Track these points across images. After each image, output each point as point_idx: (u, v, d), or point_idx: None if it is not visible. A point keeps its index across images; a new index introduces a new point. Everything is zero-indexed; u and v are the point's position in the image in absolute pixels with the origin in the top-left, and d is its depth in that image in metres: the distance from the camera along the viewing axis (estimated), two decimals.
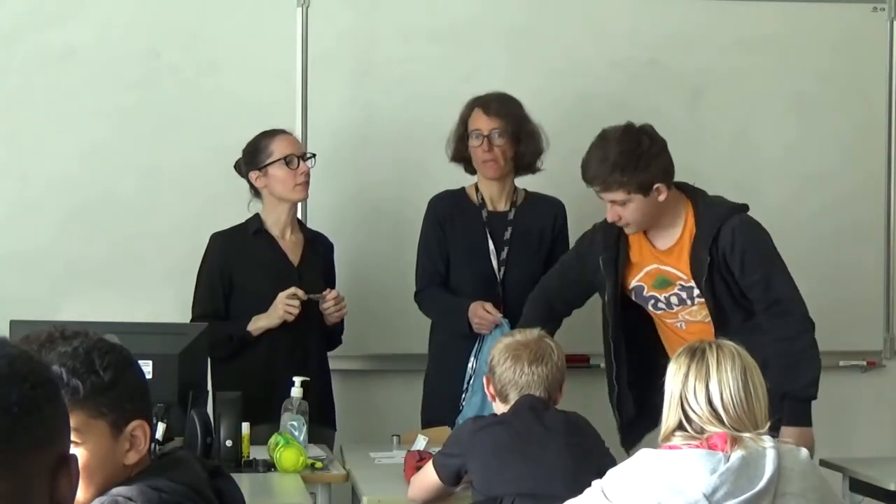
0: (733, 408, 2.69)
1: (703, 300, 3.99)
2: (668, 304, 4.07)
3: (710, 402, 2.70)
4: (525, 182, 4.67)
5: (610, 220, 4.01)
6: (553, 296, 4.32)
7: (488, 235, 4.56)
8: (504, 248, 4.56)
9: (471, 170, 4.62)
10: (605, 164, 3.91)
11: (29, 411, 1.27)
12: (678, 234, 4.03)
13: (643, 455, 2.72)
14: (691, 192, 4.07)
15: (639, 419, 4.17)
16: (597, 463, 3.42)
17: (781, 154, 5.36)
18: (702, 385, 2.71)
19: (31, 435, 1.27)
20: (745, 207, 4.07)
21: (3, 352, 1.30)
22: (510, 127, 4.50)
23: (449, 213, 4.60)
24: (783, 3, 5.35)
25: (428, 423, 4.49)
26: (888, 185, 5.42)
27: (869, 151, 5.42)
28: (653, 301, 4.09)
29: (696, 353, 2.76)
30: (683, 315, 4.06)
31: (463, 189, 4.65)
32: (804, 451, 2.72)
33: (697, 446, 2.67)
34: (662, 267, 4.05)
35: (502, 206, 4.61)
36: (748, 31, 5.33)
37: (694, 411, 2.71)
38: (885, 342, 5.45)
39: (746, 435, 2.66)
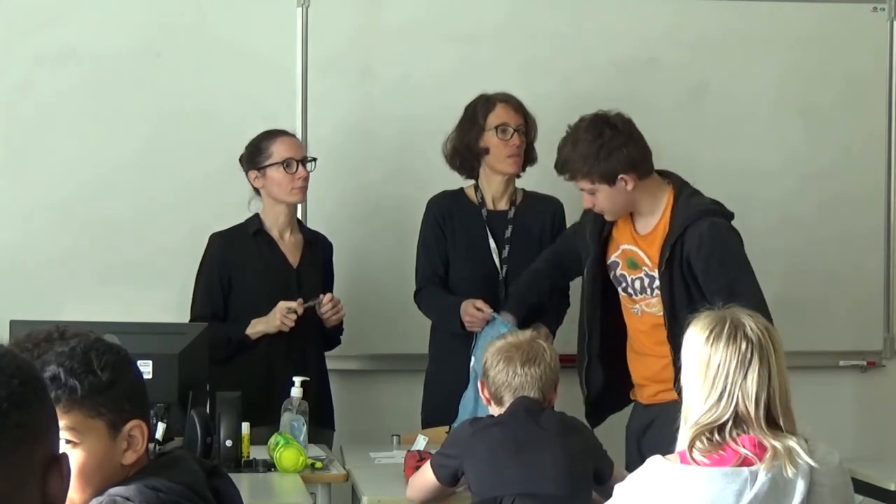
0: (772, 407, 2.47)
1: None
2: (633, 288, 4.09)
3: (757, 398, 2.45)
4: (523, 181, 4.67)
5: (585, 206, 4.10)
6: (540, 266, 4.41)
7: (489, 234, 4.57)
8: (505, 247, 4.57)
9: (467, 172, 4.61)
10: (571, 154, 4.00)
11: (19, 407, 1.27)
12: (656, 222, 4.06)
13: (661, 469, 2.48)
14: (678, 185, 4.07)
15: (605, 393, 4.21)
16: (593, 464, 3.43)
17: (781, 154, 5.35)
18: (755, 377, 2.46)
19: (22, 431, 1.27)
20: (722, 212, 4.03)
21: None
22: (531, 126, 4.58)
23: (448, 213, 4.60)
24: (783, 3, 5.35)
25: (428, 422, 4.49)
26: (888, 185, 5.42)
27: (869, 151, 5.41)
28: (623, 283, 4.12)
29: (743, 336, 2.49)
30: (642, 305, 4.08)
31: (461, 189, 4.65)
32: (836, 457, 2.53)
33: (722, 459, 2.44)
34: (635, 249, 4.09)
35: (503, 205, 4.62)
36: (748, 31, 5.33)
37: (746, 407, 2.45)
38: (885, 342, 5.45)
39: (778, 445, 2.43)
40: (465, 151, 4.57)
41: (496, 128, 4.52)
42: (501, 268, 4.55)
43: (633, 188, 3.98)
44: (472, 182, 4.63)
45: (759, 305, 3.70)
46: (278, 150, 4.44)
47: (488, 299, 4.41)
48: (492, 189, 4.61)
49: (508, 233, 4.58)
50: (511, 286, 4.47)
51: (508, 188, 4.62)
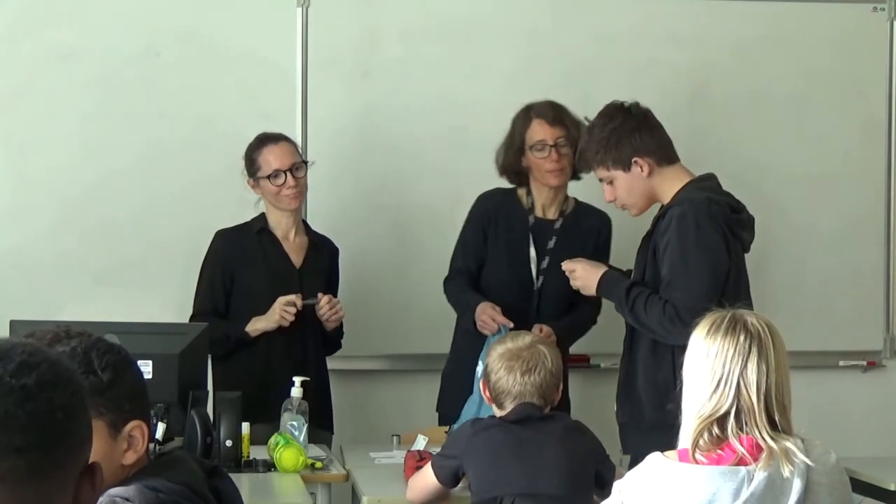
0: (769, 401, 2.45)
1: None
2: None
3: (758, 386, 2.44)
4: (577, 188, 4.60)
5: (606, 199, 4.03)
6: None
7: (531, 242, 4.51)
8: (545, 258, 4.48)
9: (517, 181, 4.53)
10: (587, 143, 3.97)
11: (72, 417, 1.27)
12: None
13: (660, 467, 2.48)
14: (702, 176, 3.97)
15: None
16: (594, 466, 3.43)
17: (781, 154, 5.35)
18: (754, 367, 2.44)
19: (69, 442, 1.27)
20: (705, 206, 3.80)
21: (43, 356, 1.29)
22: (574, 133, 4.41)
23: (495, 213, 4.52)
24: (783, 3, 5.35)
25: (442, 416, 4.48)
26: (888, 184, 5.42)
27: (869, 151, 5.41)
28: None
29: (743, 328, 2.47)
30: None
31: (514, 189, 4.57)
32: (833, 456, 2.51)
33: (720, 458, 2.44)
34: None
35: (552, 214, 4.54)
36: (748, 31, 5.33)
37: (749, 399, 2.43)
38: (885, 342, 5.44)
39: (775, 446, 2.42)
40: (510, 169, 4.52)
41: (532, 147, 4.44)
42: (537, 278, 4.47)
43: (649, 174, 3.90)
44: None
45: (691, 305, 3.48)
46: (266, 162, 4.43)
47: (518, 307, 4.34)
48: (541, 197, 4.53)
49: (552, 244, 4.50)
50: None
51: (558, 197, 4.53)
